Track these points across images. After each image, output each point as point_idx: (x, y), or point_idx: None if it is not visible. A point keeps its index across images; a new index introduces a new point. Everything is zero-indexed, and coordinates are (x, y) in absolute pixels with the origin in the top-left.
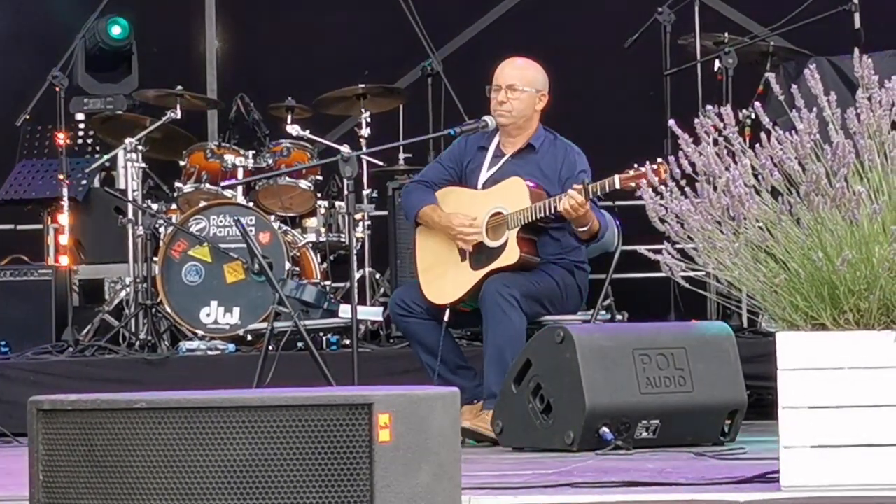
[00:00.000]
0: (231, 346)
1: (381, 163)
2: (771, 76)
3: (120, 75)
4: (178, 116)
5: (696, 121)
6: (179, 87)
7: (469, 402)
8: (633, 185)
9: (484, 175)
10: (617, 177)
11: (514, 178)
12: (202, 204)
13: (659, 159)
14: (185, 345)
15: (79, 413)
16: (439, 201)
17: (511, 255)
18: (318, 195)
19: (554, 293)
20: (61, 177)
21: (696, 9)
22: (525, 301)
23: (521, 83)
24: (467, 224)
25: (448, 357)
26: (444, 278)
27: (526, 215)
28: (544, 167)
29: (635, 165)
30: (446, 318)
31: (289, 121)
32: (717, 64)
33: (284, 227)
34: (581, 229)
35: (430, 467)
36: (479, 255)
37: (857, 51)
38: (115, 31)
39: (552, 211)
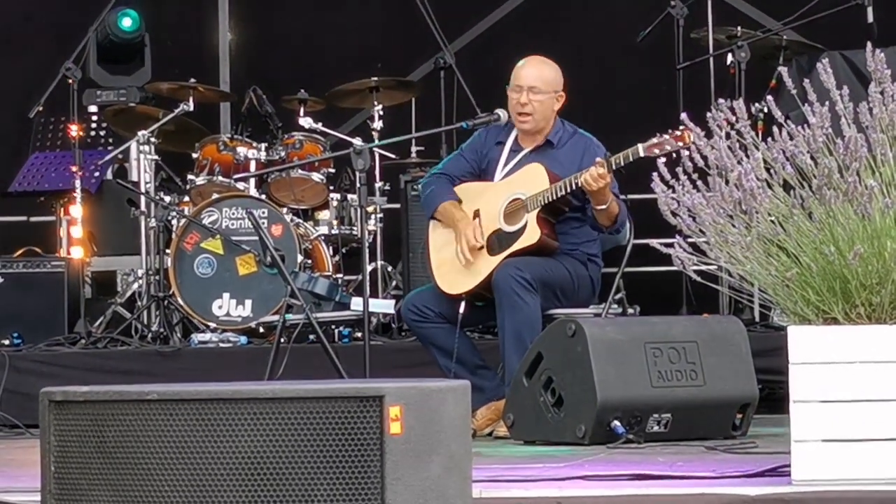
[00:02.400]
0: (243, 339)
1: (393, 156)
2: (784, 70)
3: (133, 68)
4: (191, 109)
5: (709, 114)
6: (192, 80)
7: (488, 401)
8: (656, 152)
9: (501, 171)
10: (640, 145)
11: (533, 164)
12: (214, 196)
13: (681, 127)
14: (197, 337)
15: (90, 405)
16: (459, 194)
17: (532, 235)
18: (331, 188)
19: (566, 283)
20: (74, 169)
21: (709, 3)
22: (538, 285)
23: (542, 85)
24: (472, 237)
25: (467, 357)
26: (460, 269)
27: (546, 196)
28: (563, 160)
29: (658, 133)
30: (462, 309)
31: (301, 113)
32: (729, 58)
33: (297, 220)
34: (600, 207)
35: (440, 460)
36: (497, 240)
37: (869, 45)
38: (126, 23)
39: (572, 188)
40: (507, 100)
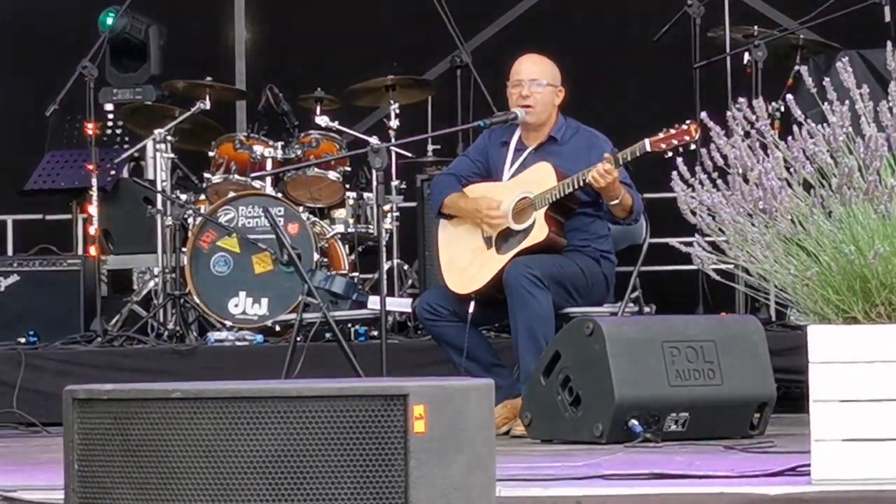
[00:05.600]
0: (259, 337)
1: (409, 154)
2: (803, 69)
3: (138, 65)
4: (208, 107)
5: (728, 113)
6: (209, 78)
7: (504, 399)
8: (663, 146)
9: (507, 170)
10: (647, 140)
11: (541, 163)
12: (231, 195)
13: (688, 120)
14: (213, 335)
15: (114, 402)
16: (469, 195)
17: (539, 233)
18: (347, 186)
19: (578, 280)
20: (90, 167)
21: (726, 1)
22: (549, 282)
23: (542, 77)
24: (494, 207)
25: (481, 356)
26: (469, 268)
27: (554, 193)
28: (568, 156)
29: (664, 128)
30: (471, 309)
31: (318, 112)
32: (746, 57)
33: (313, 219)
34: (612, 203)
35: (464, 458)
36: (506, 239)
37: (889, 44)
38: (108, 21)
39: (580, 185)
40: (508, 98)
